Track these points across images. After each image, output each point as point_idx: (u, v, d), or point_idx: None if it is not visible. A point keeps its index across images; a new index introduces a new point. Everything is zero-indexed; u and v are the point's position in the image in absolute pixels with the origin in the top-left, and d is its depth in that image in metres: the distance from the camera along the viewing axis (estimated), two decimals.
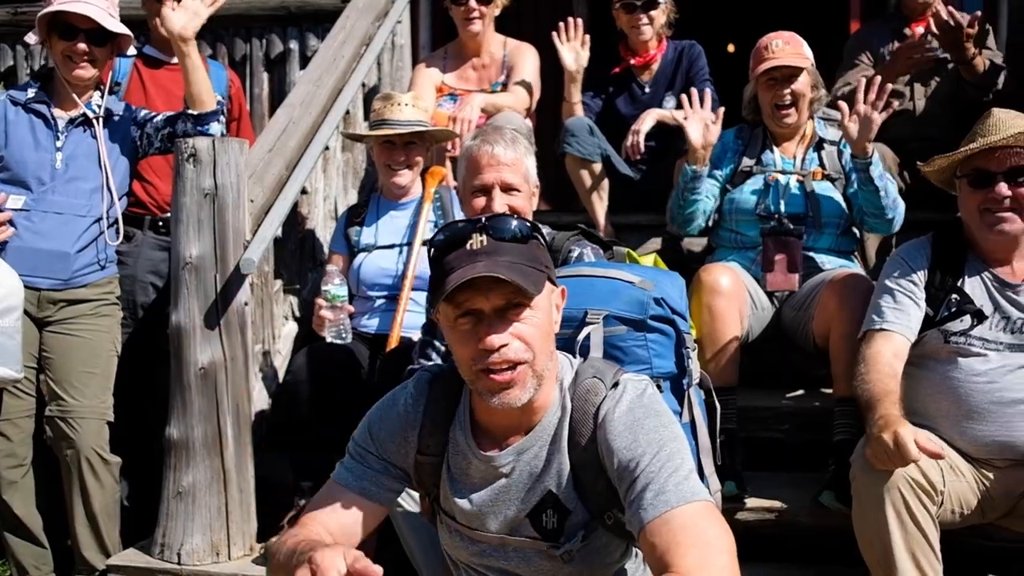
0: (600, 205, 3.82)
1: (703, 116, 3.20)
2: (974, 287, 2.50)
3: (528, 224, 1.75)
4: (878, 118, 3.00)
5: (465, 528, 1.84)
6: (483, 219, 1.73)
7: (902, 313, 2.50)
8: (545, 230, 2.14)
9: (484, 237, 1.69)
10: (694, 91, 3.28)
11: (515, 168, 2.43)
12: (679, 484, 1.59)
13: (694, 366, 2.06)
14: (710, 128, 3.19)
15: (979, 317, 2.45)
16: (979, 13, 3.77)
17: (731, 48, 7.82)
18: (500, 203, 2.39)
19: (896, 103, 3.07)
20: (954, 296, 2.49)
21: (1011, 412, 2.40)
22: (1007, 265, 2.51)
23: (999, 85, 3.88)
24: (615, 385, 1.74)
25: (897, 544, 2.24)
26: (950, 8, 3.77)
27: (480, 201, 2.42)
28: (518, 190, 2.43)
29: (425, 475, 1.86)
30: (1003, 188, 2.43)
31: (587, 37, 3.84)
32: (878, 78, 3.05)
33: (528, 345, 1.68)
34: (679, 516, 1.55)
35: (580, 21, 3.88)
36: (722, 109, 3.25)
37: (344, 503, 1.82)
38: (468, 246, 1.69)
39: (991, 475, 2.43)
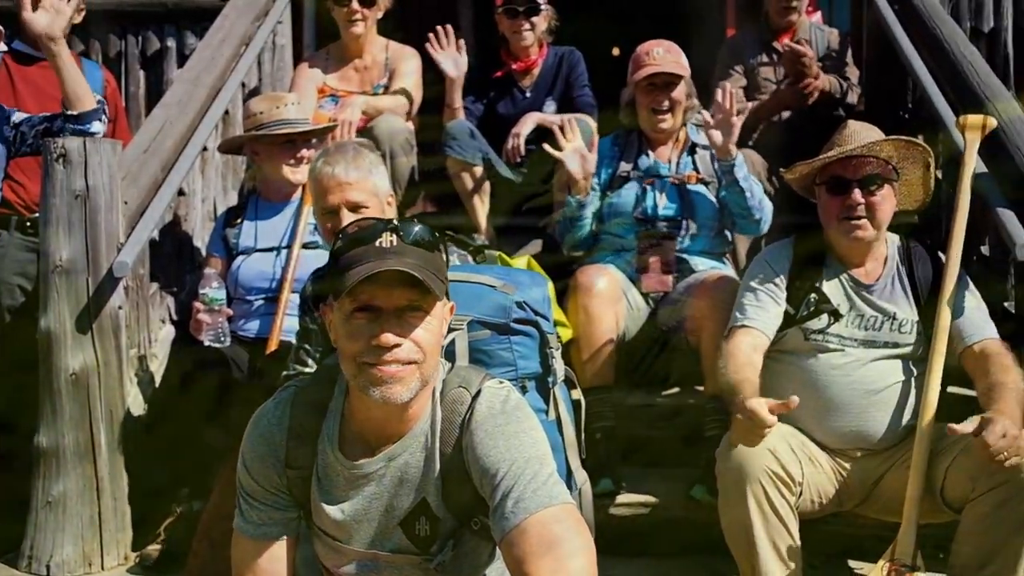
0: (481, 208, 3.87)
1: (578, 147, 3.28)
2: (832, 287, 2.63)
3: (434, 234, 1.77)
4: (737, 122, 3.16)
5: (338, 542, 1.84)
6: (393, 220, 1.75)
7: (762, 310, 2.62)
8: None
9: (394, 237, 1.71)
10: (565, 122, 3.37)
11: (360, 186, 2.40)
12: (537, 490, 1.63)
13: (558, 365, 2.12)
14: (587, 158, 3.27)
15: (836, 316, 2.58)
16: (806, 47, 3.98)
17: (616, 52, 7.98)
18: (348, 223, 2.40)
19: (750, 105, 3.27)
20: (813, 296, 2.61)
21: (865, 404, 2.54)
22: (862, 267, 2.65)
23: (849, 100, 4.09)
24: (478, 393, 1.77)
25: (759, 533, 2.35)
26: (789, 44, 3.97)
27: (330, 223, 2.42)
28: (366, 206, 2.40)
29: (296, 489, 1.85)
30: (857, 195, 2.57)
31: (462, 42, 3.88)
32: (731, 88, 3.21)
33: (420, 349, 1.70)
34: (536, 523, 1.59)
35: (450, 28, 3.90)
36: (596, 138, 3.35)
37: (256, 554, 1.83)
38: (377, 243, 1.70)
39: (848, 465, 2.56)
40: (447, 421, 1.76)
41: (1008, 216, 2.88)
